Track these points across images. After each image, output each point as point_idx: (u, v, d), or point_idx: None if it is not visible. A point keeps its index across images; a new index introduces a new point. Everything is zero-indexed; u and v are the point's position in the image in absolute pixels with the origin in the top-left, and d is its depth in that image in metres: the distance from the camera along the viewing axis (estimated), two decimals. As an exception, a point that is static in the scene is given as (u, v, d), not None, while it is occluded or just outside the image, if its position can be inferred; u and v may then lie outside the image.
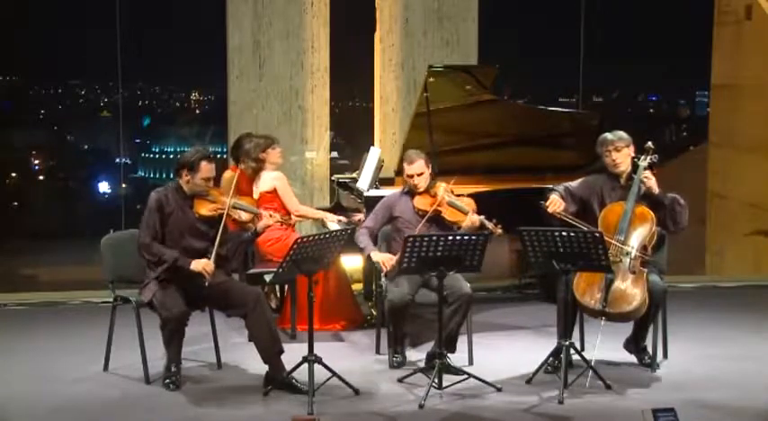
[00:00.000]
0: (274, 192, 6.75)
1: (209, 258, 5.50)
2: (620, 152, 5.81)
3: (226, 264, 5.76)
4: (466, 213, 5.97)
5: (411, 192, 6.14)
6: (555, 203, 5.74)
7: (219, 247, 5.58)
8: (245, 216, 5.66)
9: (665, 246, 5.93)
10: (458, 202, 6.05)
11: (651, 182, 5.73)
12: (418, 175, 6.06)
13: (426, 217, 5.99)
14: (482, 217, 5.92)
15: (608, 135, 5.88)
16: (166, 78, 16.79)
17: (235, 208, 5.62)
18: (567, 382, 5.37)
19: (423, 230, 5.91)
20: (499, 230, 5.83)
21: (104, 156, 16.21)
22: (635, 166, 5.82)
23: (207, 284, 5.47)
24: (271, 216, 5.71)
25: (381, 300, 6.15)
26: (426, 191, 6.11)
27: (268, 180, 6.78)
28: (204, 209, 5.59)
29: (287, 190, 6.80)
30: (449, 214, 6.01)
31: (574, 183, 5.97)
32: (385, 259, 5.95)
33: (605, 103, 14.59)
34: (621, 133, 5.88)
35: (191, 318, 5.56)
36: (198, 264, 5.48)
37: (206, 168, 5.56)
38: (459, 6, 8.58)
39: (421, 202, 6.08)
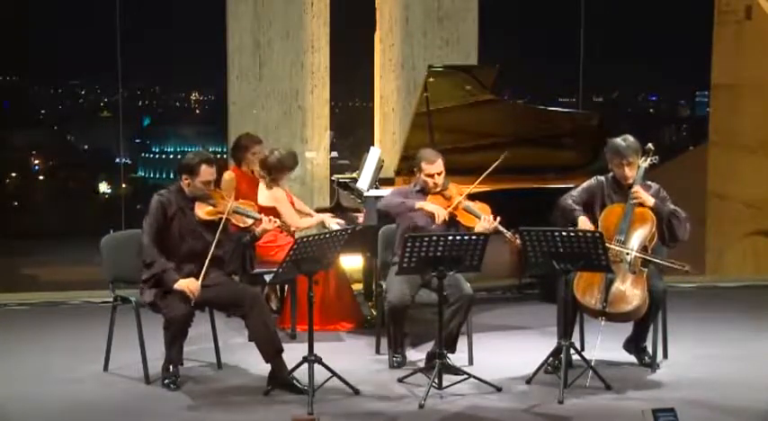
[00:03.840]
0: (272, 208, 6.72)
1: (205, 262, 5.49)
2: (632, 166, 5.77)
3: (224, 266, 5.75)
4: (480, 218, 5.93)
5: (424, 191, 6.11)
6: (587, 225, 5.67)
7: (216, 249, 5.56)
8: (245, 220, 5.65)
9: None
10: (473, 207, 5.99)
11: (642, 198, 5.70)
12: (438, 175, 6.02)
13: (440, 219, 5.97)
14: (497, 223, 5.82)
15: (620, 145, 5.77)
16: (166, 78, 16.80)
17: (235, 212, 5.60)
18: (566, 382, 5.37)
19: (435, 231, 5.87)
20: (517, 241, 5.65)
21: (104, 156, 16.22)
22: (637, 167, 5.81)
23: (192, 304, 5.43)
24: (270, 220, 5.68)
25: (381, 300, 6.14)
26: (440, 192, 6.07)
27: (266, 197, 6.72)
28: (204, 212, 5.58)
29: (286, 208, 6.74)
30: (465, 219, 5.97)
31: (575, 192, 5.95)
32: (439, 211, 5.91)
33: (605, 103, 14.59)
34: (632, 142, 5.78)
35: (190, 318, 5.56)
36: (182, 284, 5.42)
37: (206, 172, 5.56)
38: (459, 6, 8.58)
39: (433, 203, 6.05)
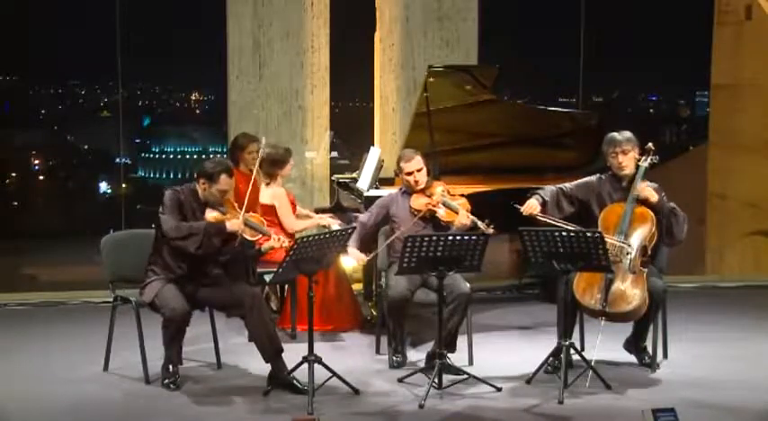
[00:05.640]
0: (272, 206, 6.71)
1: (210, 267, 5.51)
2: (627, 155, 5.77)
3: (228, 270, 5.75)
4: (458, 213, 5.97)
5: (408, 192, 6.15)
6: (530, 207, 5.73)
7: (222, 257, 5.59)
8: (254, 233, 5.62)
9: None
10: (451, 202, 6.04)
11: (646, 192, 5.70)
12: (418, 172, 6.07)
13: (419, 216, 6.00)
14: (473, 217, 5.90)
15: (616, 136, 5.82)
16: (166, 78, 16.80)
17: (245, 225, 5.57)
18: (567, 382, 5.37)
19: (414, 229, 5.91)
20: (491, 230, 5.77)
21: (104, 156, 16.23)
22: (637, 167, 5.81)
23: (237, 244, 5.49)
24: (279, 240, 5.65)
25: (381, 300, 6.14)
26: (423, 190, 6.11)
27: (268, 196, 6.73)
28: (216, 219, 5.56)
29: (285, 209, 6.73)
30: (444, 215, 6.01)
31: (570, 184, 5.95)
32: (358, 256, 6.02)
33: (605, 103, 14.60)
34: (628, 134, 5.82)
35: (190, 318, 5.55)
36: (234, 224, 5.47)
37: (224, 181, 5.54)
38: (459, 6, 8.58)
39: (416, 202, 6.08)
